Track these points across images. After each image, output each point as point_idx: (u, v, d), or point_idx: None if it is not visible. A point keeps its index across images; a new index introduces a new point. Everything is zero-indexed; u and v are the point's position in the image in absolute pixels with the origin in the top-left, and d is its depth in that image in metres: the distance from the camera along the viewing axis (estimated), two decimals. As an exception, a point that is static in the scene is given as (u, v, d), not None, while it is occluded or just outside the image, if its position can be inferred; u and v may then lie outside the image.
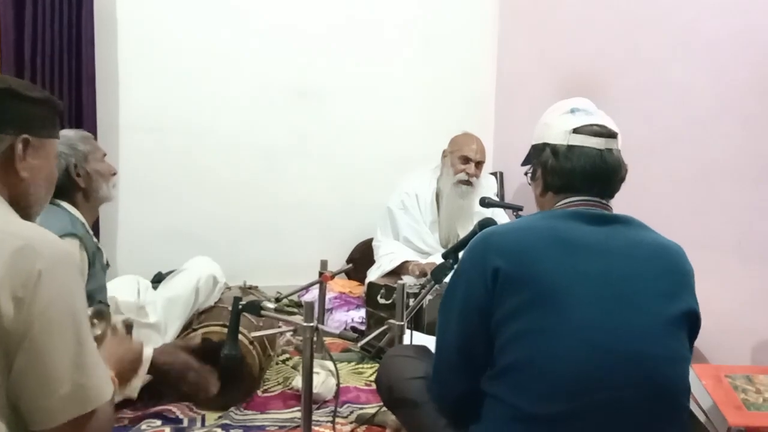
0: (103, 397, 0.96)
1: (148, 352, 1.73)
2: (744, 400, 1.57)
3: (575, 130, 1.24)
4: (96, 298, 1.69)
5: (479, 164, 2.92)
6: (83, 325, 0.94)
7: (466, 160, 2.89)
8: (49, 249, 0.92)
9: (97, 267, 1.75)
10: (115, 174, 1.92)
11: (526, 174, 1.37)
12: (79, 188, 1.80)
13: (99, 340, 1.26)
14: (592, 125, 1.24)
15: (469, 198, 2.91)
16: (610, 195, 1.27)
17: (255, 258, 3.17)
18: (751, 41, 2.10)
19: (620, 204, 1.30)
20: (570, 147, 1.23)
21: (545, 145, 1.27)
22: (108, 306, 1.41)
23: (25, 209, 1.06)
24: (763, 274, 2.03)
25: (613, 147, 1.25)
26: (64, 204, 1.73)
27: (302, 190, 3.34)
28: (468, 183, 2.88)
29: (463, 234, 2.93)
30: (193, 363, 1.81)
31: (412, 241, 2.95)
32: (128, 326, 1.32)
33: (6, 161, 1.02)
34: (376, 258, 2.95)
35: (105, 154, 1.92)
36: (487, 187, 3.08)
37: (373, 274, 2.83)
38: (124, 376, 1.23)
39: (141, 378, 1.72)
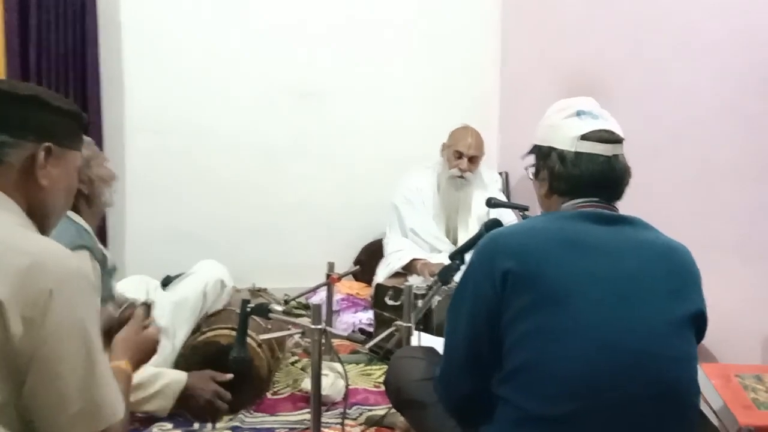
0: (115, 415, 0.95)
1: (181, 378, 1.79)
2: (754, 400, 1.57)
3: (583, 137, 1.24)
4: (105, 305, 1.69)
5: (473, 158, 2.92)
6: (94, 343, 0.94)
7: (459, 155, 2.91)
8: (60, 266, 0.91)
9: (104, 274, 1.75)
10: (116, 179, 1.92)
11: (526, 169, 1.38)
12: (82, 194, 1.77)
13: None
14: (599, 131, 1.24)
15: (465, 190, 2.94)
16: (617, 198, 1.28)
17: (261, 260, 3.17)
18: (752, 41, 2.10)
19: (623, 205, 1.31)
20: (578, 154, 1.23)
21: (551, 149, 1.27)
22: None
23: (42, 219, 1.05)
24: (765, 273, 2.03)
25: (619, 152, 1.26)
26: (69, 212, 1.72)
27: (308, 192, 3.35)
28: (461, 177, 2.90)
29: (462, 226, 2.96)
30: (223, 394, 1.85)
31: (419, 233, 2.96)
32: (147, 307, 1.32)
33: (26, 169, 1.01)
34: (385, 255, 2.97)
35: (106, 160, 1.91)
36: (490, 182, 3.09)
37: (382, 272, 2.84)
38: (139, 362, 1.23)
39: (172, 399, 1.76)
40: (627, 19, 2.68)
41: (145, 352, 1.25)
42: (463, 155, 2.90)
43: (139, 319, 1.27)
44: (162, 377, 1.76)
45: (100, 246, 1.82)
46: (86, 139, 1.87)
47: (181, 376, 1.80)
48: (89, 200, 1.80)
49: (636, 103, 2.55)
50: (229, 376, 1.86)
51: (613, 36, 2.76)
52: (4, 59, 2.68)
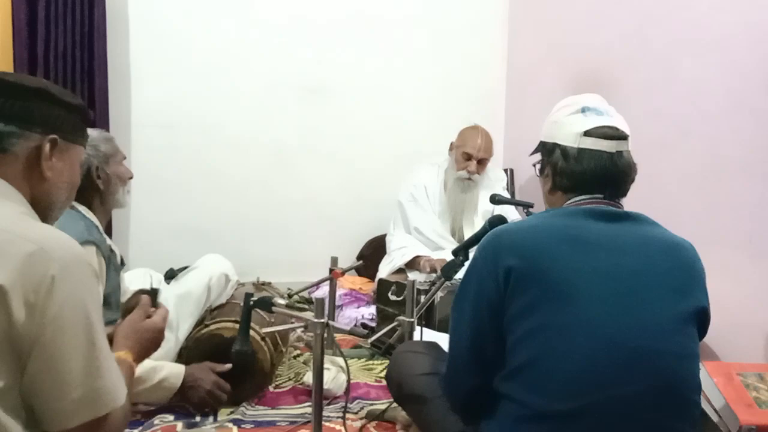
0: (117, 401, 0.96)
1: (179, 371, 1.79)
2: (756, 398, 1.56)
3: (586, 133, 1.24)
4: (111, 300, 1.71)
5: (482, 161, 2.92)
6: (96, 329, 0.94)
7: (468, 157, 2.90)
8: (62, 253, 0.92)
9: (110, 269, 1.77)
10: (131, 178, 1.92)
11: (534, 165, 1.38)
12: (97, 190, 1.79)
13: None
14: (603, 127, 1.24)
15: (472, 192, 2.94)
16: (621, 195, 1.27)
17: (265, 255, 3.18)
18: (761, 36, 2.08)
19: (630, 200, 1.30)
20: (580, 150, 1.24)
21: (555, 145, 1.28)
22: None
23: (44, 211, 1.07)
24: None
25: (624, 149, 1.25)
26: (80, 207, 1.73)
27: (312, 187, 3.36)
28: (469, 179, 2.90)
29: (468, 224, 2.96)
30: (223, 384, 1.87)
31: (423, 231, 2.97)
32: (153, 293, 1.32)
33: (32, 160, 1.03)
34: (388, 252, 2.97)
35: (125, 158, 1.92)
36: (496, 180, 3.08)
37: (385, 268, 2.85)
38: (142, 354, 1.22)
39: (171, 392, 1.77)
40: (634, 13, 2.67)
41: (148, 341, 1.23)
42: (472, 157, 2.89)
43: (144, 307, 1.26)
44: (160, 371, 1.77)
45: (109, 242, 1.84)
46: (107, 135, 1.91)
47: (179, 370, 1.81)
48: (103, 197, 1.82)
49: (643, 98, 2.54)
50: (228, 366, 1.87)
51: (620, 31, 2.75)
52: (12, 52, 2.69)
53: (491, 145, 2.96)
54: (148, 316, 1.26)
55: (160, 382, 1.76)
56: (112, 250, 1.83)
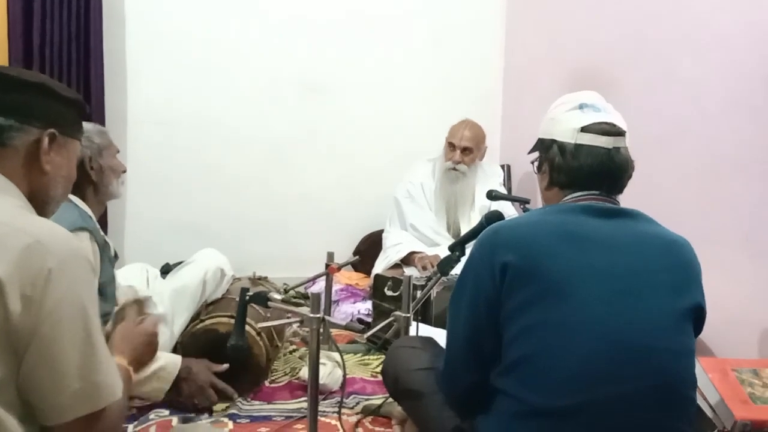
0: (114, 395, 0.95)
1: (176, 360, 1.78)
2: (750, 394, 1.57)
3: (583, 129, 1.24)
4: (106, 290, 1.70)
5: (466, 150, 2.91)
6: (93, 323, 0.94)
7: (452, 147, 2.91)
8: (59, 246, 0.91)
9: (105, 260, 1.76)
10: (125, 171, 1.93)
11: (532, 163, 1.38)
12: (91, 182, 1.80)
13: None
14: (600, 123, 1.24)
15: (461, 183, 2.95)
16: (618, 192, 1.28)
17: (262, 250, 3.18)
18: (761, 35, 2.08)
19: (628, 198, 1.30)
20: (578, 146, 1.24)
21: (553, 141, 1.28)
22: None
23: (42, 205, 1.07)
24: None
25: (621, 145, 1.25)
26: (73, 198, 1.73)
27: (310, 183, 3.36)
28: (455, 169, 2.90)
29: (464, 219, 2.96)
30: (216, 382, 1.86)
31: (419, 228, 2.97)
32: (140, 302, 1.33)
33: (30, 154, 1.03)
34: (384, 249, 2.97)
35: (118, 151, 1.93)
36: (492, 175, 3.08)
37: (380, 265, 2.85)
38: (139, 360, 1.23)
39: (168, 382, 1.76)
40: (633, 12, 2.67)
41: (142, 345, 1.25)
42: (455, 147, 2.90)
43: (131, 318, 1.27)
44: (157, 360, 1.76)
45: (102, 233, 1.83)
46: (101, 128, 1.93)
47: (176, 359, 1.80)
48: (96, 188, 1.83)
49: (643, 98, 2.54)
50: (225, 366, 1.86)
51: (619, 29, 2.74)
52: (8, 45, 2.68)
53: (478, 135, 2.95)
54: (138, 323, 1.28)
55: (157, 372, 1.75)
56: (106, 242, 1.83)
